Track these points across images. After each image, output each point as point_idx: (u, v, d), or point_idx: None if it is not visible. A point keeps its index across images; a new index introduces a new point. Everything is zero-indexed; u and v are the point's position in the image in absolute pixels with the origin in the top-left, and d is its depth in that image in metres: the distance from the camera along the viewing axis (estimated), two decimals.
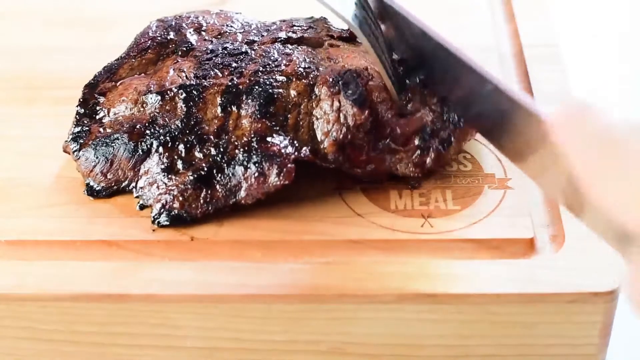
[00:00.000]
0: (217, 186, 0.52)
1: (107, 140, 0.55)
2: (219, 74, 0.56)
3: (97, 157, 0.55)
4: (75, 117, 0.58)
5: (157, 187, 0.53)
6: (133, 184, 0.54)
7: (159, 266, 0.50)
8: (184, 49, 0.59)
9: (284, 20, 0.61)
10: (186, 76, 0.57)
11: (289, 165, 0.51)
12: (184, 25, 0.61)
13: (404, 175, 0.54)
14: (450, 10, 0.70)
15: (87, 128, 0.57)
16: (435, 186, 0.54)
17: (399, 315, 0.48)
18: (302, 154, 0.52)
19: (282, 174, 0.51)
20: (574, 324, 0.48)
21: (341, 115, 0.52)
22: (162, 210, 0.52)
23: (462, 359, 0.50)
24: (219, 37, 0.60)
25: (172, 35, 0.60)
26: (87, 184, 0.55)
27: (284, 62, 0.56)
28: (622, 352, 0.50)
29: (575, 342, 0.49)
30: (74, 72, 0.61)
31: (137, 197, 0.54)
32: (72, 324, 0.50)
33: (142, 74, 0.59)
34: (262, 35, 0.59)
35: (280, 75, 0.55)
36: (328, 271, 0.49)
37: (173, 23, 0.62)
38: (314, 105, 0.53)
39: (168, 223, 0.52)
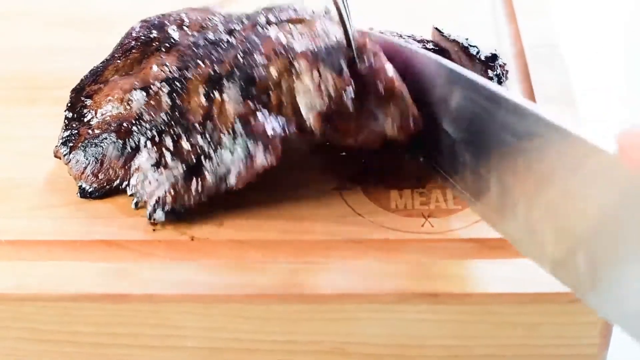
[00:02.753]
0: (207, 175, 0.52)
1: (96, 141, 0.55)
2: (201, 64, 0.56)
3: (87, 159, 0.55)
4: (64, 122, 0.58)
5: (149, 182, 0.53)
6: (125, 182, 0.54)
7: (159, 266, 0.50)
8: (167, 45, 0.59)
9: (266, 8, 0.61)
10: (169, 70, 0.56)
11: (275, 143, 0.51)
12: (166, 23, 0.61)
13: (393, 138, 0.53)
14: (452, 10, 0.70)
15: (76, 131, 0.57)
16: (436, 185, 0.54)
17: (399, 315, 0.48)
18: (288, 132, 0.51)
19: (268, 152, 0.51)
20: (575, 324, 0.48)
21: (322, 85, 0.52)
22: (156, 206, 0.52)
23: (463, 359, 0.50)
24: (201, 30, 0.60)
25: (155, 33, 0.60)
26: (80, 187, 0.55)
27: (262, 43, 0.55)
28: (622, 352, 0.49)
29: (576, 342, 0.49)
30: (74, 72, 0.61)
31: (131, 195, 0.54)
32: (72, 324, 0.49)
33: (128, 74, 0.59)
34: (243, 23, 0.59)
35: (259, 56, 0.54)
36: (328, 271, 0.49)
37: (156, 22, 0.61)
38: (294, 81, 0.53)
39: (164, 218, 0.52)
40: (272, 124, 0.52)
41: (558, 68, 0.63)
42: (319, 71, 0.52)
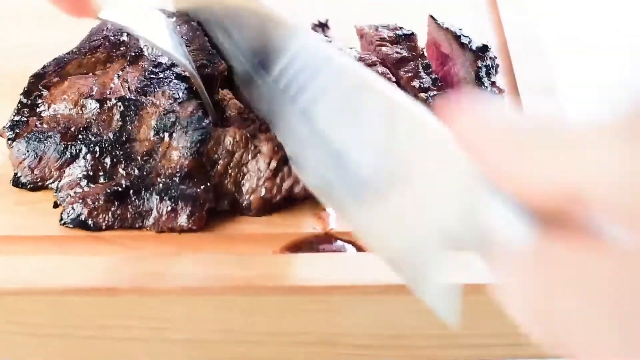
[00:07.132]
0: (129, 206, 0.52)
1: (41, 137, 0.55)
2: (161, 94, 0.55)
3: (27, 151, 0.55)
4: (18, 105, 0.57)
5: (74, 191, 0.53)
6: (56, 182, 0.54)
7: (147, 259, 0.50)
8: (134, 54, 0.59)
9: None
10: (129, 88, 0.56)
11: (202, 212, 0.51)
12: None
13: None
14: (435, 3, 0.70)
15: (25, 119, 0.56)
16: None
17: (387, 306, 0.48)
18: (218, 205, 0.52)
19: (192, 219, 0.51)
20: None
21: (278, 175, 0.52)
22: (70, 212, 0.52)
23: (452, 350, 0.50)
24: None
25: (125, 37, 0.60)
26: (15, 174, 0.55)
27: (229, 106, 0.55)
28: None
29: None
30: None
31: (55, 194, 0.54)
32: (61, 317, 0.49)
33: (90, 74, 0.58)
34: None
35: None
36: (316, 263, 0.49)
37: None
38: (249, 158, 0.53)
39: (72, 226, 0.52)
40: (207, 192, 0.52)
41: (541, 61, 0.64)
42: (277, 162, 0.52)
